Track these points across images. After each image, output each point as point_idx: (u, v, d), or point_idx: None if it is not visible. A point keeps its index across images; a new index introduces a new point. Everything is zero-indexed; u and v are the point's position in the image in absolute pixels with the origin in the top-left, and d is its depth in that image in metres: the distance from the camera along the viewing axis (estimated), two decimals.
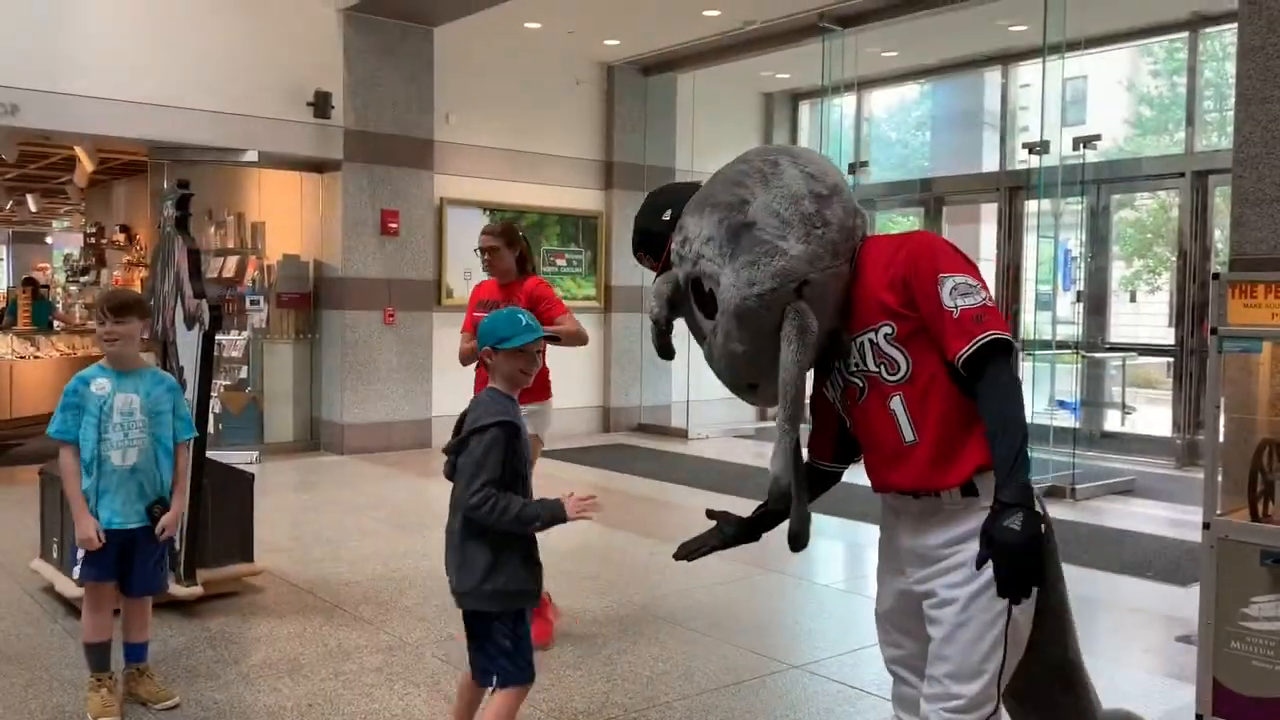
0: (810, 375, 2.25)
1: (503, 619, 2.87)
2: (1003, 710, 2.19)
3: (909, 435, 2.17)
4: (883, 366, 2.17)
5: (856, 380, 2.23)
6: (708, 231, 2.18)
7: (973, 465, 2.11)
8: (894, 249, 2.17)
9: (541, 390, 4.53)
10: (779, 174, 2.18)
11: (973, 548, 2.07)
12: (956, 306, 2.07)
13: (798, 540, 2.29)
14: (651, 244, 2.42)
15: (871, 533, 6.40)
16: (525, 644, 2.91)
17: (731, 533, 2.43)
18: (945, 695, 2.14)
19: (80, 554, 3.57)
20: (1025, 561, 1.96)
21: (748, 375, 2.25)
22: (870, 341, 2.18)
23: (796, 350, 2.11)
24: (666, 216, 2.37)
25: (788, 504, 2.20)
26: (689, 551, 2.44)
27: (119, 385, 3.55)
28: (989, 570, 2.02)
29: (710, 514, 2.49)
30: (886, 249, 2.19)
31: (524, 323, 2.97)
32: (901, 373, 2.15)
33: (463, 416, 2.95)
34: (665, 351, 2.34)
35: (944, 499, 2.16)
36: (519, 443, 2.90)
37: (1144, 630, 4.87)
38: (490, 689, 2.93)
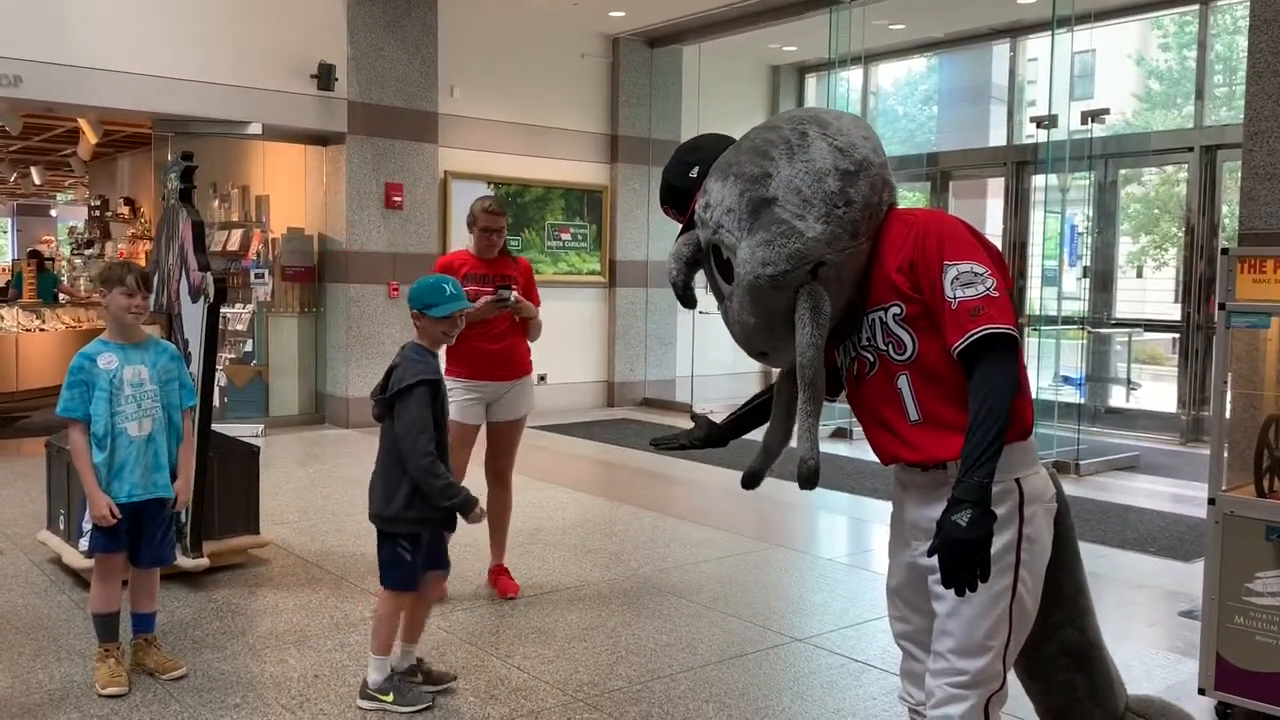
0: None
1: (407, 537, 3.44)
2: (1008, 687, 2.19)
3: (914, 414, 2.16)
4: (890, 345, 2.16)
5: (867, 355, 2.22)
6: (729, 202, 2.16)
7: None
8: (906, 229, 2.14)
9: (523, 364, 4.71)
10: (806, 146, 2.14)
11: None
12: (955, 298, 2.04)
13: (810, 479, 2.18)
14: (677, 199, 2.44)
15: (876, 508, 6.41)
16: (416, 560, 3.47)
17: (701, 435, 2.70)
18: (950, 670, 2.14)
19: (89, 525, 3.58)
20: (966, 558, 1.95)
21: (760, 344, 2.26)
22: (880, 320, 2.16)
23: (811, 333, 2.10)
24: (694, 174, 2.36)
25: (815, 482, 2.19)
26: (661, 443, 2.74)
27: (126, 358, 3.56)
28: (991, 547, 2.01)
29: (693, 416, 2.77)
30: (900, 228, 2.16)
31: (449, 292, 3.45)
32: (908, 353, 2.14)
33: (391, 368, 3.44)
34: (687, 302, 2.37)
35: (950, 471, 2.14)
36: (440, 394, 3.45)
37: (1147, 605, 4.88)
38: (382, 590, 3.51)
